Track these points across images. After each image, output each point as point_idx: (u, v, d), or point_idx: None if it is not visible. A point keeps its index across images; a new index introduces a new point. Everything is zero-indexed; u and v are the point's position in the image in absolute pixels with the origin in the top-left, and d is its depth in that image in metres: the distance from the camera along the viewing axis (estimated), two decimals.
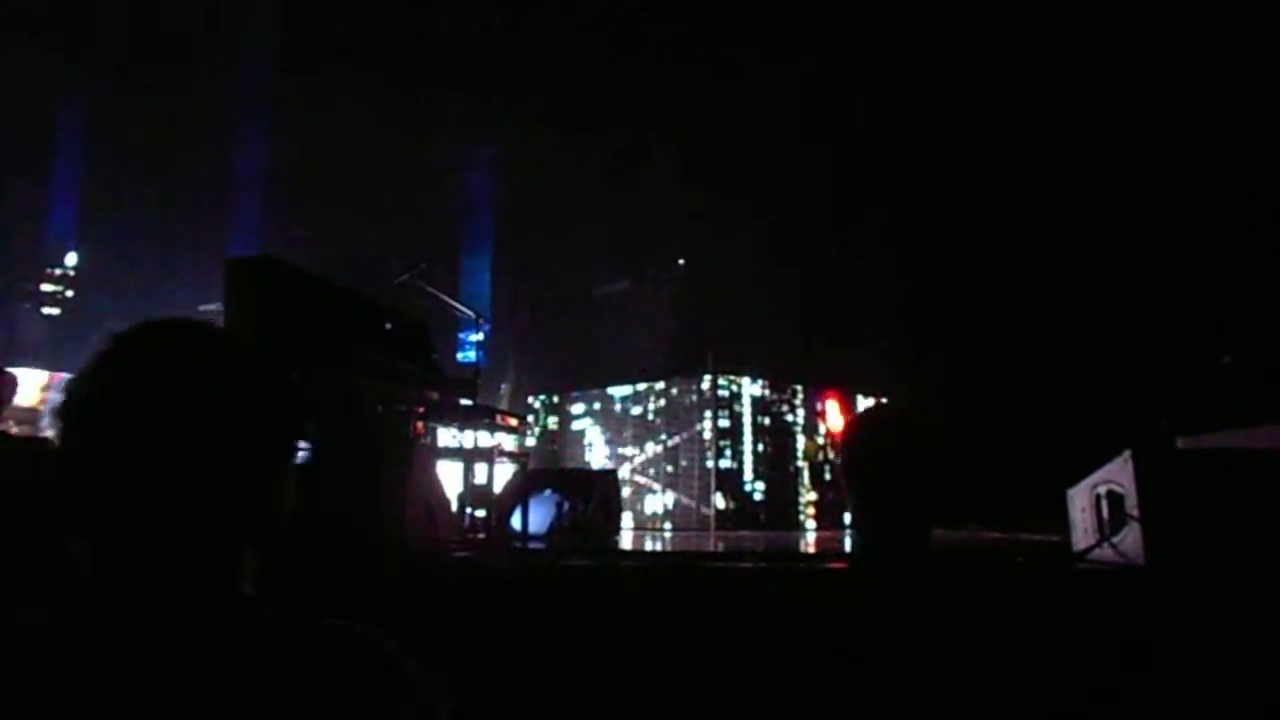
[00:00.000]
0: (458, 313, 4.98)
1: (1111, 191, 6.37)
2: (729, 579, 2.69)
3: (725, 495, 6.66)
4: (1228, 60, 5.77)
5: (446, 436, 4.70)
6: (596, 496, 4.88)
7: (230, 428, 0.79)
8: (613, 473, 5.80)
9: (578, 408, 7.77)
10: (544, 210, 8.39)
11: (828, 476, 7.17)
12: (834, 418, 7.43)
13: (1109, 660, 1.97)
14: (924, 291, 7.38)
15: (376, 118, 7.74)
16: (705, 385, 6.89)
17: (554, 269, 8.76)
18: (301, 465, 0.91)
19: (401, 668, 0.79)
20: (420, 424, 4.23)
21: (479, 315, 4.95)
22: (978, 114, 6.75)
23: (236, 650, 0.74)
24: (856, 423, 1.60)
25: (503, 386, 8.49)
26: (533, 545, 4.01)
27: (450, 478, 4.17)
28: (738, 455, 6.83)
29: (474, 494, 4.08)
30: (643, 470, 7.17)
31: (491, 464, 4.24)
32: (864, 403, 7.58)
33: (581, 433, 7.70)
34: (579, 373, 8.02)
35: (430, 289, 4.64)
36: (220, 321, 3.38)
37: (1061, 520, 3.03)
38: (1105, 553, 2.63)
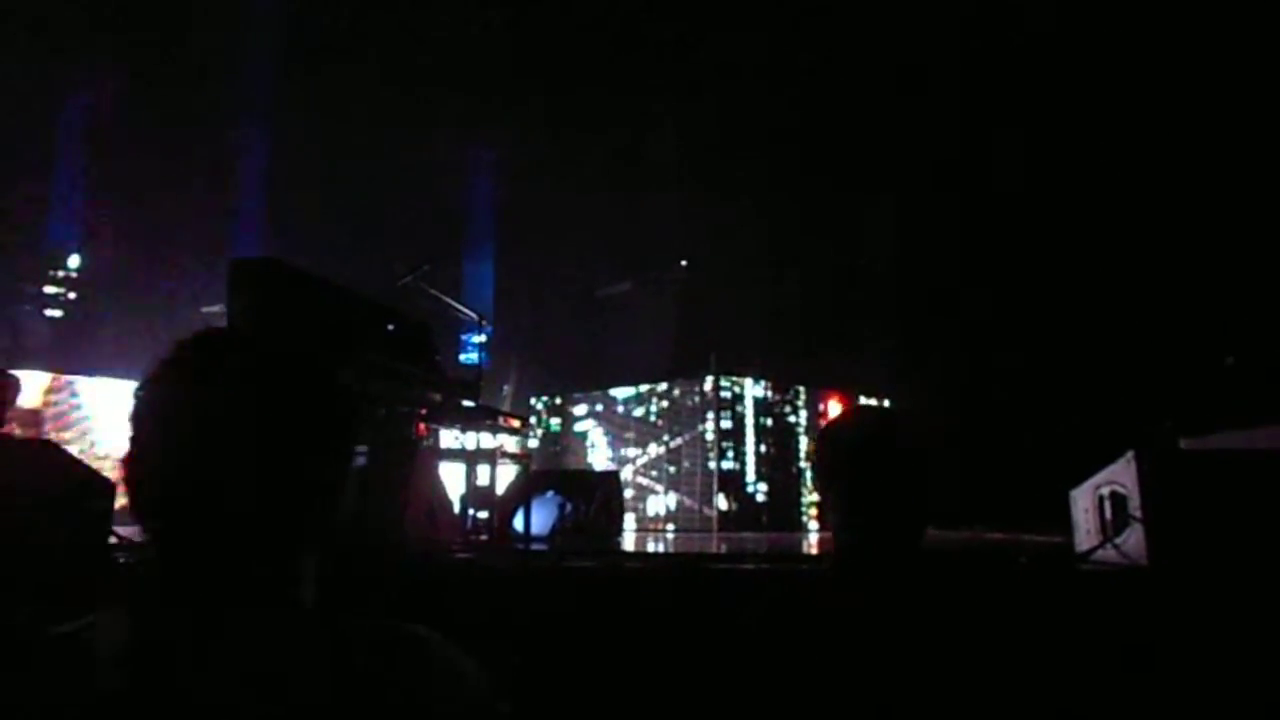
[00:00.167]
0: (460, 314, 4.99)
1: (1114, 191, 6.36)
2: (731, 580, 2.69)
3: (728, 496, 6.66)
4: (1230, 60, 5.76)
5: (449, 438, 4.71)
6: (599, 498, 4.87)
7: (293, 436, 0.82)
8: (615, 474, 5.79)
9: (580, 409, 7.77)
10: (546, 211, 8.39)
11: None
12: None
13: (1112, 661, 1.97)
14: (925, 292, 7.37)
15: (378, 119, 7.74)
16: (707, 386, 6.89)
17: (556, 270, 8.76)
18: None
19: (461, 667, 0.81)
20: (423, 425, 4.23)
21: (481, 316, 4.96)
22: (979, 113, 6.74)
23: (298, 650, 0.76)
24: (834, 424, 1.58)
25: (505, 388, 8.49)
26: (535, 546, 4.00)
27: (453, 479, 4.18)
28: (740, 456, 6.83)
29: (476, 495, 4.09)
30: (645, 471, 7.17)
31: (494, 465, 4.23)
32: (866, 403, 7.58)
33: (584, 434, 7.71)
34: (581, 374, 8.03)
35: (433, 290, 4.65)
36: (222, 323, 3.39)
37: (1064, 521, 3.03)
38: (1108, 554, 2.62)
